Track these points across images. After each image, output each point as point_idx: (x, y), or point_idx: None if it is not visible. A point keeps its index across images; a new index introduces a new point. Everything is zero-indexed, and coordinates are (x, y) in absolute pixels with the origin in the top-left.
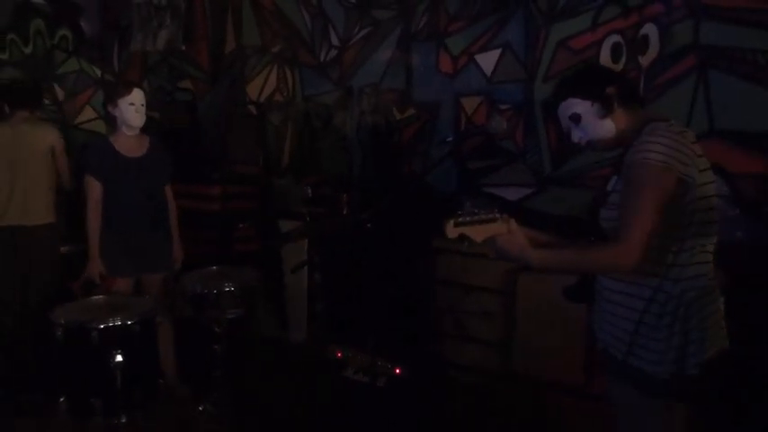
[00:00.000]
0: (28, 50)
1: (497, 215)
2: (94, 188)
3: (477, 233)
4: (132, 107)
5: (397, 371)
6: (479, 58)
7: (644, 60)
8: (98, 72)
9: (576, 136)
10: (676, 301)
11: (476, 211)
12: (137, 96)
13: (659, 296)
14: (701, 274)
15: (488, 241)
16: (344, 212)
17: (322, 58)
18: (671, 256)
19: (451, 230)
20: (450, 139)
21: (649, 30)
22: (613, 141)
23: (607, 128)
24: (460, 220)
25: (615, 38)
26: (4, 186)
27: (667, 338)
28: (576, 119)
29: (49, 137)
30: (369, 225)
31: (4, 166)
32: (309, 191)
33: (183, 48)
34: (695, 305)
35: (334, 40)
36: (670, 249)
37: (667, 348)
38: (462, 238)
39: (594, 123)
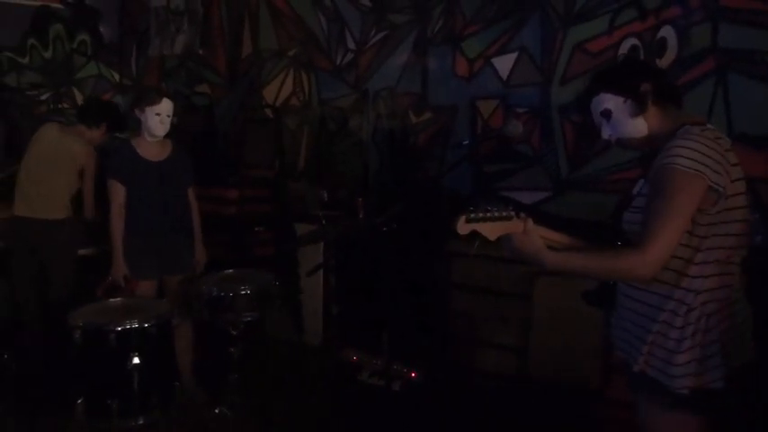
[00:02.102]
0: (48, 55)
1: (512, 213)
2: (118, 192)
3: (491, 230)
4: (157, 117)
5: (413, 375)
6: (496, 61)
7: (662, 63)
8: (116, 76)
9: (606, 132)
10: (698, 312)
11: (489, 208)
12: (164, 107)
13: (680, 308)
14: (725, 285)
15: (503, 239)
16: (360, 216)
17: (338, 62)
18: (695, 266)
19: (463, 226)
20: (465, 142)
21: (667, 32)
22: (644, 142)
23: (639, 127)
24: (472, 216)
25: (632, 41)
26: (28, 179)
27: (688, 350)
28: (607, 115)
29: (83, 157)
30: (384, 229)
31: (36, 161)
32: (325, 194)
33: (201, 52)
34: (717, 316)
35: (351, 44)
36: (693, 260)
37: (688, 361)
38: (474, 234)
39: (625, 121)
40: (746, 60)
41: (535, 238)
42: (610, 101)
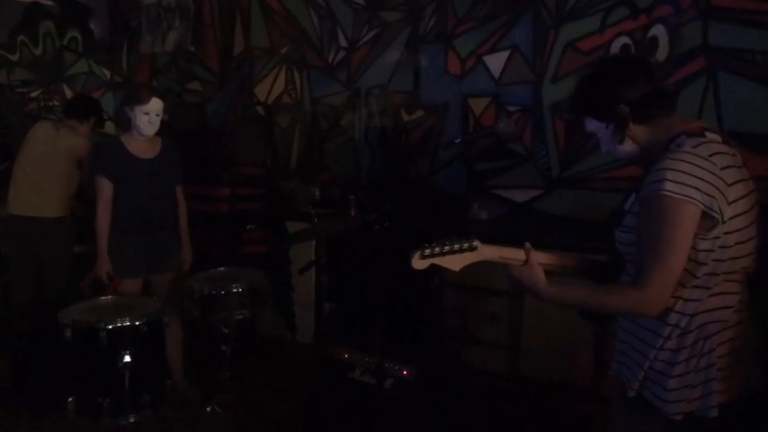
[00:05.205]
0: (38, 52)
1: (476, 243)
2: (105, 188)
3: (453, 262)
4: (146, 117)
5: (405, 372)
6: (488, 59)
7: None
8: (107, 74)
9: (603, 149)
10: (693, 335)
11: (447, 241)
12: (154, 107)
13: (674, 331)
14: (725, 306)
15: (504, 270)
16: (352, 214)
17: (330, 60)
18: (688, 290)
19: (418, 262)
20: (458, 140)
21: (658, 31)
22: (639, 155)
23: (627, 148)
24: (427, 252)
25: (624, 39)
26: (25, 177)
27: (682, 375)
28: (594, 136)
29: (82, 149)
30: (376, 226)
31: (32, 158)
32: (317, 192)
33: (192, 49)
34: (715, 339)
35: (343, 42)
36: (687, 284)
37: (681, 386)
38: (435, 268)
39: (612, 145)
40: (737, 59)
41: (535, 269)
42: (592, 124)
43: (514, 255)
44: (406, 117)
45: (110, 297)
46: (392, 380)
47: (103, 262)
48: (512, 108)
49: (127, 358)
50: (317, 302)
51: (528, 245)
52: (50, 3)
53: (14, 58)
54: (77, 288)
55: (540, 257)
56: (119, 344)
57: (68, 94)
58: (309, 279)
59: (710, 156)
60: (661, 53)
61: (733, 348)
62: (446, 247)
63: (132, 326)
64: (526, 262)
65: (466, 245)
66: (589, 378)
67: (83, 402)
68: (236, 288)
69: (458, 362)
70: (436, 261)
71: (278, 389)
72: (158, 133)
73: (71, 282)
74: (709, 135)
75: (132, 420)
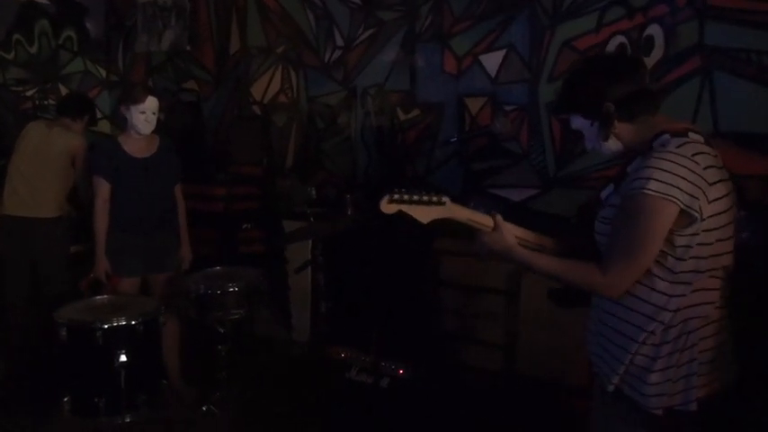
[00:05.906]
0: (33, 51)
1: (445, 199)
2: (102, 188)
3: (423, 214)
4: (143, 115)
5: (401, 372)
6: (484, 58)
7: (649, 61)
8: (103, 73)
9: (588, 146)
10: (676, 330)
11: (419, 191)
12: (150, 105)
13: (658, 327)
14: (706, 302)
15: (475, 237)
16: (348, 213)
17: (326, 59)
18: (670, 285)
19: (386, 206)
20: (454, 139)
21: (654, 30)
22: (624, 152)
23: (612, 146)
24: (396, 197)
25: (620, 38)
26: (20, 177)
27: (664, 369)
28: (580, 134)
29: (77, 147)
30: (372, 226)
31: (27, 157)
32: (313, 191)
33: (188, 48)
34: (696, 334)
35: (339, 41)
36: (667, 279)
37: (662, 380)
38: (402, 215)
39: (597, 142)
40: (732, 58)
41: (505, 234)
42: (578, 121)
43: (484, 220)
44: (402, 116)
45: (106, 296)
46: (388, 379)
47: (102, 262)
48: (508, 107)
49: (123, 358)
50: (314, 302)
51: (493, 211)
52: (46, 2)
53: (10, 56)
54: (76, 289)
55: (517, 232)
56: (115, 343)
57: (64, 92)
58: (305, 278)
59: (694, 155)
60: (657, 52)
61: (714, 344)
62: (415, 197)
63: (128, 325)
64: (495, 228)
65: (435, 198)
66: (586, 376)
67: (78, 402)
68: (232, 287)
69: (454, 361)
70: (404, 208)
71: (274, 388)
72: (155, 132)
73: (69, 282)
74: (693, 135)
75: (128, 420)
